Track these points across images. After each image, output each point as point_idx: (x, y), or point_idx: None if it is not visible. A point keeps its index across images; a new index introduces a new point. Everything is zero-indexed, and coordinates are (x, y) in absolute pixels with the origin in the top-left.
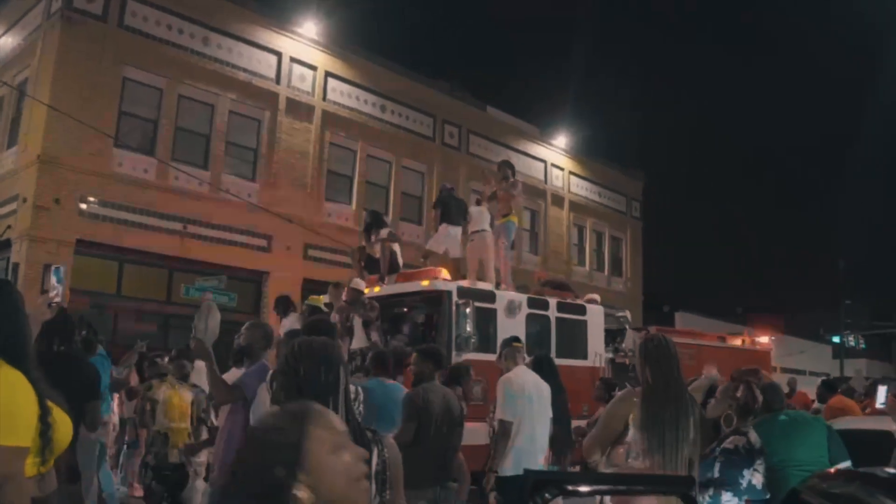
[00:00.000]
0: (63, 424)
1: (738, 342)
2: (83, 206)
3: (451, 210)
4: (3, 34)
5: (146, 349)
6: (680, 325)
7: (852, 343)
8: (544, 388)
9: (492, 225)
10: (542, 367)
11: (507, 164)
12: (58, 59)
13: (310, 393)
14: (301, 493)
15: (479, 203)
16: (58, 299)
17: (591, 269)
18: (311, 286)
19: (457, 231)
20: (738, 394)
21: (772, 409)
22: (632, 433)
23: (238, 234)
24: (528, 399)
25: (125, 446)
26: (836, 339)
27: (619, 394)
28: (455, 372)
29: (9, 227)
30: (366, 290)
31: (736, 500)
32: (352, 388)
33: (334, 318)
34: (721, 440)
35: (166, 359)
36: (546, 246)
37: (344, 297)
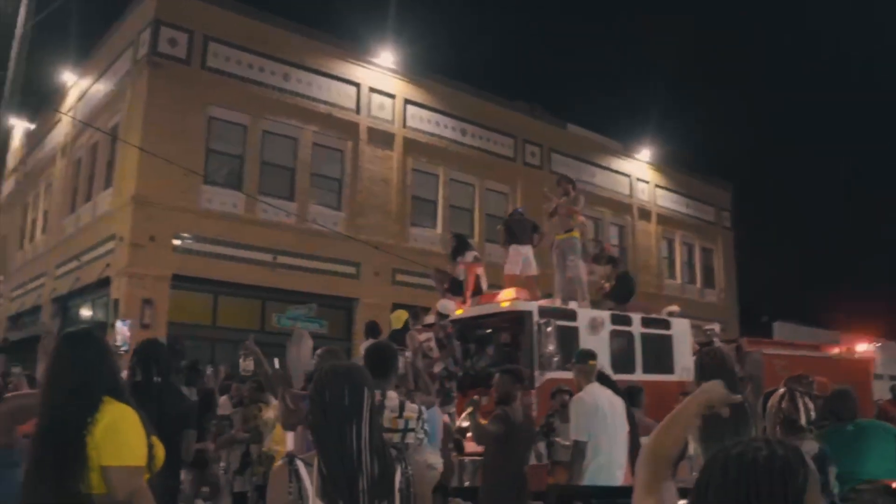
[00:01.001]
0: (158, 448)
1: (835, 351)
2: (177, 242)
3: (515, 231)
4: (95, 82)
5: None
6: (778, 335)
7: None
8: (618, 404)
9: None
10: (603, 383)
11: (566, 179)
12: (146, 103)
13: (334, 415)
14: None
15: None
16: (125, 348)
17: (682, 282)
18: (401, 310)
19: (527, 249)
20: (783, 405)
21: (841, 419)
22: (693, 447)
23: (327, 263)
24: (602, 416)
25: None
26: None
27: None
28: (630, 392)
29: (108, 265)
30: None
31: None
32: (415, 406)
33: (410, 339)
34: None
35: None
36: (635, 260)
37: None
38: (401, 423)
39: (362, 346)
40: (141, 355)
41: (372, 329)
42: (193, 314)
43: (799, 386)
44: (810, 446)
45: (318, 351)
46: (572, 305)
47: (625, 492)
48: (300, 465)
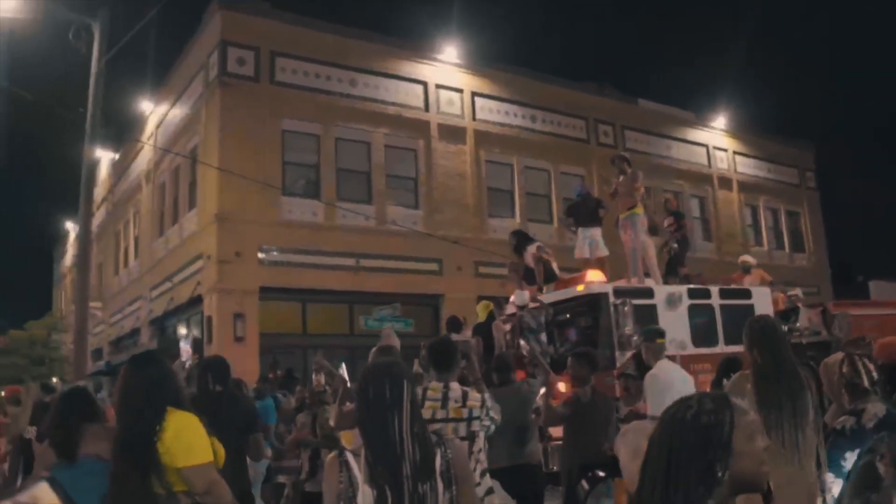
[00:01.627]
0: (219, 448)
1: None
2: (261, 255)
3: (580, 213)
4: (171, 108)
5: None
6: (876, 294)
7: None
8: (690, 381)
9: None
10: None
11: (622, 158)
12: (221, 123)
13: (377, 409)
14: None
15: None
16: (189, 363)
17: (770, 249)
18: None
19: (593, 231)
20: (844, 370)
21: None
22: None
23: (409, 262)
24: (677, 393)
25: None
26: None
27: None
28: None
29: (198, 283)
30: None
31: (840, 481)
32: (478, 396)
33: (496, 329)
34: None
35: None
36: (719, 230)
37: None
38: (465, 412)
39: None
40: (202, 369)
41: (454, 324)
42: (283, 324)
43: (857, 349)
44: (877, 408)
45: (372, 350)
46: (647, 282)
47: None
48: (349, 456)
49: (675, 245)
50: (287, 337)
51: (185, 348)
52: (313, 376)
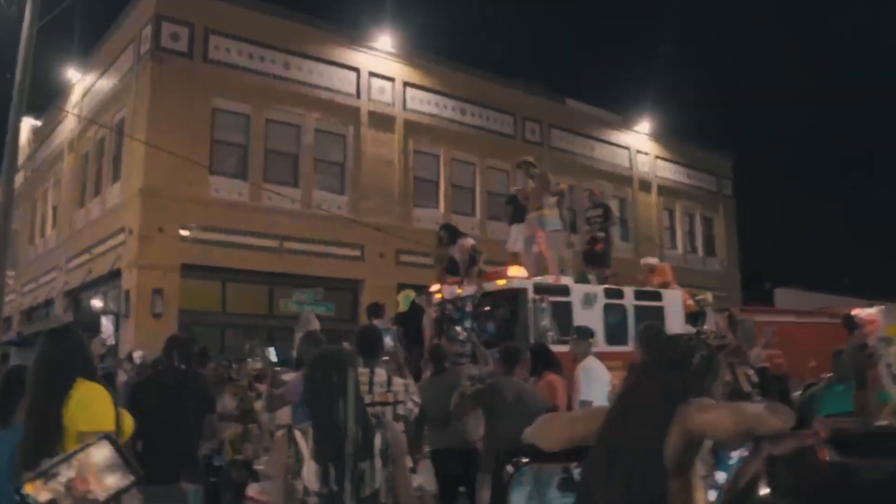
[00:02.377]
0: (127, 418)
1: (825, 318)
2: (185, 232)
3: (516, 210)
4: (99, 78)
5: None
6: (781, 302)
7: None
8: (609, 375)
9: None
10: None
11: (524, 163)
12: (151, 97)
13: (324, 392)
14: None
15: (558, 201)
16: (111, 342)
17: (684, 252)
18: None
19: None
20: (728, 378)
21: (842, 378)
22: None
23: (332, 247)
24: (604, 385)
25: None
26: None
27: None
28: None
29: (118, 257)
30: (438, 294)
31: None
32: (401, 381)
33: (428, 320)
34: None
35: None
36: (637, 232)
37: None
38: (390, 397)
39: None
40: (167, 348)
41: (374, 310)
42: (203, 302)
43: (735, 358)
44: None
45: (299, 335)
46: (564, 280)
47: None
48: (297, 433)
49: (602, 234)
50: (206, 315)
51: (108, 325)
52: (249, 360)
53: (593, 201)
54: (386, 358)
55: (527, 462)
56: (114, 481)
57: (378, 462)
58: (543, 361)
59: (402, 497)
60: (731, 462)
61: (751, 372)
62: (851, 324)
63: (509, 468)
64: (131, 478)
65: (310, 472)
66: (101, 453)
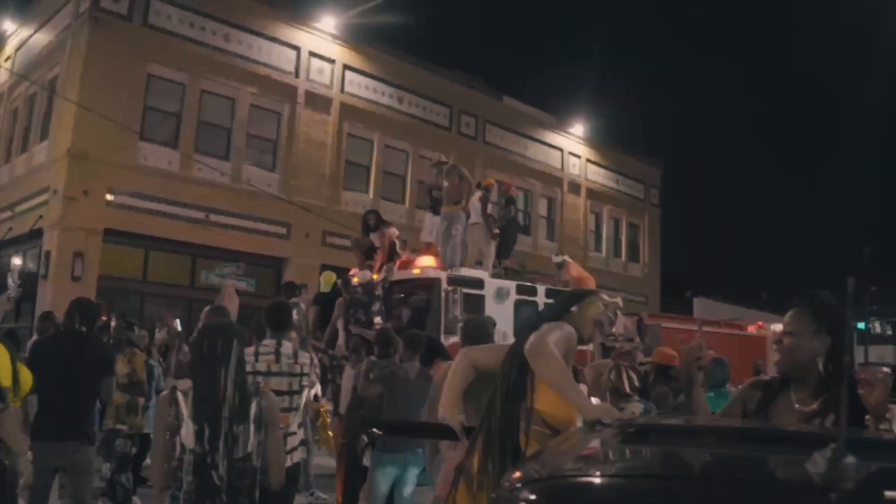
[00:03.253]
0: (25, 374)
1: (734, 330)
2: (110, 197)
3: (432, 200)
4: (34, 33)
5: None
6: (699, 311)
7: (878, 330)
8: None
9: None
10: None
11: (438, 165)
12: (86, 58)
13: (208, 360)
14: None
15: (486, 194)
16: (14, 295)
17: (608, 256)
18: (331, 271)
19: (438, 220)
20: (611, 376)
21: (713, 385)
22: None
23: (259, 223)
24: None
25: None
26: (861, 326)
27: None
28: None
29: (41, 217)
30: (354, 279)
31: None
32: (307, 354)
33: (338, 306)
34: None
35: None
36: (562, 232)
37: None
38: (297, 368)
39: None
40: (70, 309)
41: (290, 288)
42: (125, 269)
43: (624, 361)
44: (635, 407)
45: (206, 309)
46: (478, 273)
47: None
48: (179, 395)
49: (497, 231)
50: (126, 282)
51: (11, 283)
52: (157, 331)
53: (500, 192)
54: (293, 333)
55: (379, 433)
56: None
57: (251, 427)
58: (433, 351)
59: (274, 460)
60: None
61: (634, 375)
62: None
63: (364, 438)
64: None
65: (188, 432)
66: None
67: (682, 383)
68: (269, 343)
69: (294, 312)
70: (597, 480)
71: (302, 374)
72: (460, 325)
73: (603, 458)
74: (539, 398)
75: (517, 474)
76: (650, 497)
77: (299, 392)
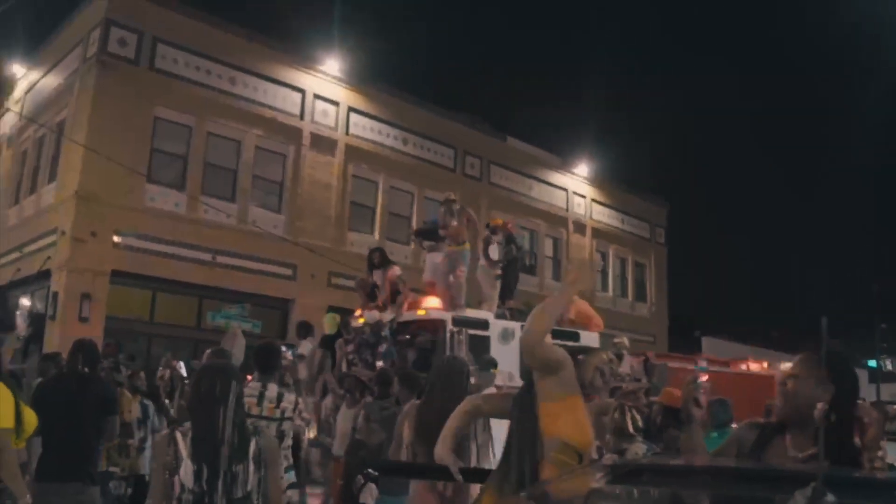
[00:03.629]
0: (29, 416)
1: (741, 367)
2: (118, 238)
3: (432, 239)
4: (43, 76)
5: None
6: (707, 350)
7: (889, 367)
8: None
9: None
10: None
11: (447, 202)
12: (94, 101)
13: (207, 400)
14: None
15: (492, 236)
16: (23, 335)
17: (614, 296)
18: (336, 312)
19: (440, 256)
20: (615, 416)
21: (718, 424)
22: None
23: (265, 264)
24: None
25: None
26: (872, 364)
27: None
28: None
29: (48, 258)
30: (361, 320)
31: None
32: (292, 398)
33: (339, 347)
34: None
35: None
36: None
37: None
38: (277, 413)
39: (300, 344)
40: (72, 350)
41: (304, 329)
42: (131, 310)
43: (628, 401)
44: (638, 448)
45: (207, 351)
46: (476, 313)
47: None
48: (178, 434)
49: (499, 272)
50: (133, 323)
51: (21, 323)
52: (160, 370)
53: (502, 231)
54: (286, 375)
55: (376, 475)
56: None
57: (251, 466)
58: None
59: (273, 500)
60: None
61: (638, 416)
62: None
63: (360, 478)
64: None
65: (186, 471)
66: None
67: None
68: (254, 385)
69: (289, 354)
70: None
71: (283, 419)
72: (437, 365)
73: (593, 499)
74: (556, 424)
75: None
76: None
77: (280, 437)
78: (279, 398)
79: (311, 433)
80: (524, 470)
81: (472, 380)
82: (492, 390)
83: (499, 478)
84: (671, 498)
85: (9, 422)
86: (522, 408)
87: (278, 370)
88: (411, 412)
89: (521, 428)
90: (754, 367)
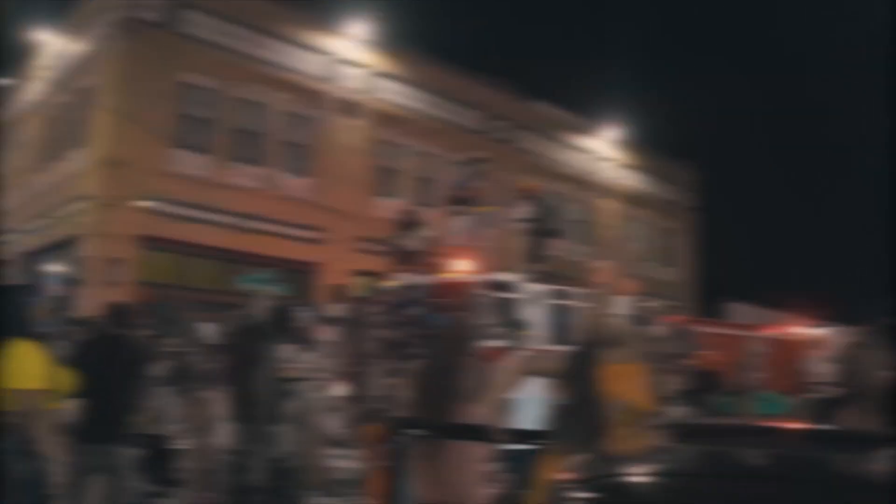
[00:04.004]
0: (63, 377)
1: (766, 332)
2: (146, 203)
3: (461, 201)
4: (72, 42)
5: None
6: (735, 316)
7: None
8: None
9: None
10: None
11: (477, 161)
12: (122, 66)
13: (244, 361)
14: None
15: (521, 199)
16: (53, 297)
17: (643, 260)
18: (364, 275)
19: (471, 220)
20: (652, 380)
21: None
22: None
23: (292, 228)
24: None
25: None
26: None
27: None
28: None
29: (78, 224)
30: (392, 283)
31: None
32: (310, 357)
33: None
34: None
35: None
36: (596, 237)
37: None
38: (291, 373)
39: (330, 307)
40: (105, 313)
41: (335, 292)
42: (160, 274)
43: (664, 365)
44: (678, 411)
45: (238, 313)
46: (505, 276)
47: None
48: (212, 396)
49: (528, 235)
50: (162, 287)
51: (51, 287)
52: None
53: (532, 198)
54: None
55: (418, 433)
56: None
57: (288, 427)
58: None
59: (310, 459)
60: None
61: (674, 379)
62: None
63: (402, 438)
64: None
65: (223, 433)
66: None
67: (725, 387)
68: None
69: (309, 316)
70: (641, 480)
71: (296, 379)
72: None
73: (653, 457)
74: (619, 387)
75: (570, 474)
76: (698, 495)
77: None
78: (294, 359)
79: (335, 393)
80: (588, 432)
81: (501, 342)
82: (524, 353)
83: (560, 440)
84: (743, 457)
85: (38, 382)
86: (582, 371)
87: (293, 332)
88: (416, 373)
89: (581, 390)
90: (786, 331)
